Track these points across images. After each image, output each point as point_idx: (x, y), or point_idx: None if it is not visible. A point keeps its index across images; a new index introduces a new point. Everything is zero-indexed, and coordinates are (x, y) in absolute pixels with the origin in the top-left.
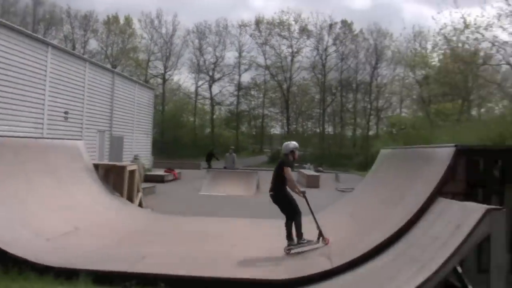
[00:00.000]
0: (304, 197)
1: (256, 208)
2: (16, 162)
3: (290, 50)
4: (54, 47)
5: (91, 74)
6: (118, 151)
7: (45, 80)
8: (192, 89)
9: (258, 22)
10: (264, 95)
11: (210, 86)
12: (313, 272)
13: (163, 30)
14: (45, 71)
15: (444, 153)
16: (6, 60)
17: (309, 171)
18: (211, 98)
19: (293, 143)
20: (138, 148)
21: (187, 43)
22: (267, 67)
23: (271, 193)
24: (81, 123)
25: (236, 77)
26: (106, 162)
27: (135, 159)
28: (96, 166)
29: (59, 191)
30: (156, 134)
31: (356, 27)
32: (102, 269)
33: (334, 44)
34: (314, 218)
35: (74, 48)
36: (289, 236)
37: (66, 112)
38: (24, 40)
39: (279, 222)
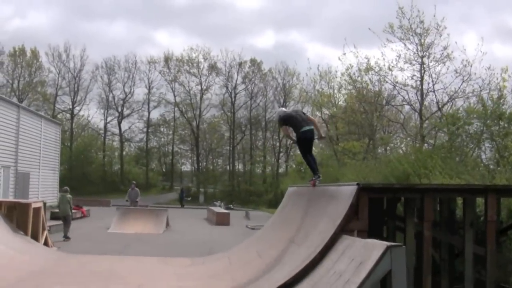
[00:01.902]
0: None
1: (165, 246)
2: None
3: (199, 87)
4: None
5: None
6: (24, 188)
7: None
8: (101, 125)
9: (167, 59)
10: (174, 132)
11: (119, 122)
12: None
13: (71, 64)
14: None
15: (347, 191)
16: None
17: (219, 209)
18: (120, 135)
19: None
20: (45, 185)
21: (96, 78)
22: (176, 104)
23: None
24: None
25: (146, 113)
26: (10, 199)
27: (64, 192)
28: None
29: None
30: (64, 170)
31: (265, 66)
32: None
33: (244, 82)
34: None
35: None
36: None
37: None
38: None
39: (188, 261)
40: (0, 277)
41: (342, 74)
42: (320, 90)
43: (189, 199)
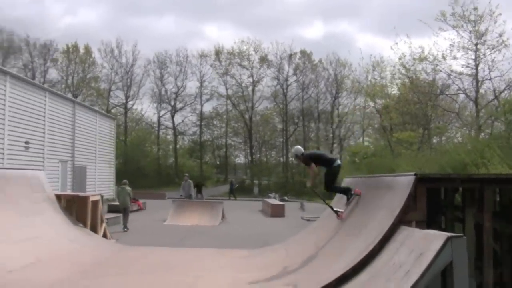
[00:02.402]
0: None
1: (221, 238)
2: None
3: (251, 79)
4: (13, 76)
5: (52, 104)
6: (81, 181)
7: (4, 110)
8: (155, 119)
9: (217, 52)
10: (227, 125)
11: (173, 116)
12: None
13: (124, 60)
14: (4, 100)
15: (404, 182)
16: None
17: (274, 201)
18: (174, 128)
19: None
20: (101, 178)
21: (148, 72)
22: (228, 97)
23: None
24: (43, 153)
25: (198, 107)
26: (68, 192)
27: (124, 185)
28: (59, 197)
29: (20, 222)
30: (119, 164)
31: (315, 57)
32: None
33: (295, 74)
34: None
35: (33, 77)
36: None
37: (26, 142)
38: None
39: (244, 252)
40: (62, 269)
41: (395, 64)
42: (373, 80)
43: (236, 186)
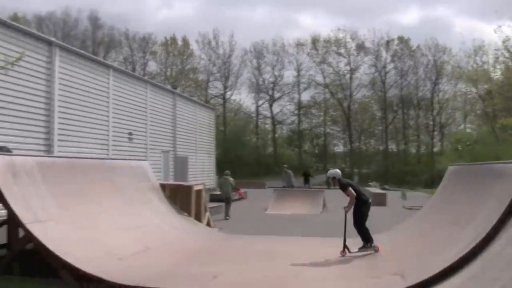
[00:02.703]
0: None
1: (323, 227)
2: (86, 182)
3: (348, 67)
4: (115, 69)
5: (153, 95)
6: (182, 171)
7: (108, 102)
8: (253, 108)
9: (314, 41)
10: (325, 113)
11: (271, 105)
12: None
13: (221, 51)
14: (108, 93)
15: None
16: (70, 83)
17: (375, 189)
18: (272, 117)
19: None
20: (202, 168)
21: (245, 63)
22: (326, 85)
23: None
24: (145, 144)
25: (296, 96)
26: (172, 182)
27: (226, 175)
28: (163, 186)
29: (128, 211)
30: (219, 154)
31: (413, 43)
32: None
33: (393, 60)
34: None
35: (134, 70)
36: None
37: (130, 133)
38: (86, 63)
39: (349, 241)
40: (169, 256)
41: (498, 48)
42: (475, 65)
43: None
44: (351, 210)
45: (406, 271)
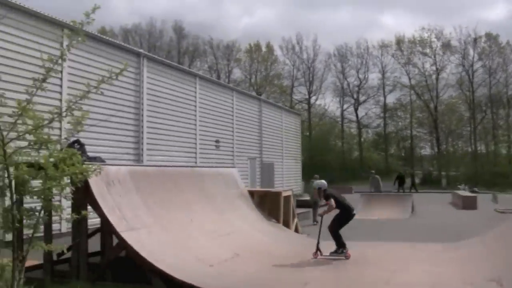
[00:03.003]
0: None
1: (413, 231)
2: (176, 190)
3: (434, 67)
4: (202, 77)
5: (239, 102)
6: (269, 177)
7: (195, 110)
8: (338, 112)
9: (398, 42)
10: (411, 115)
11: (356, 109)
12: None
13: (305, 55)
14: (195, 101)
15: None
16: (157, 93)
17: (464, 192)
18: (358, 121)
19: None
20: (288, 174)
21: (329, 66)
22: (412, 87)
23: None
24: (232, 151)
25: (381, 98)
26: (258, 188)
27: (314, 179)
28: (251, 193)
29: (218, 218)
30: (304, 159)
31: (502, 40)
32: None
33: (480, 58)
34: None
35: (219, 78)
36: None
37: (217, 141)
38: (172, 73)
39: (439, 246)
40: (258, 262)
41: None
42: None
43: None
44: (331, 216)
45: (503, 277)
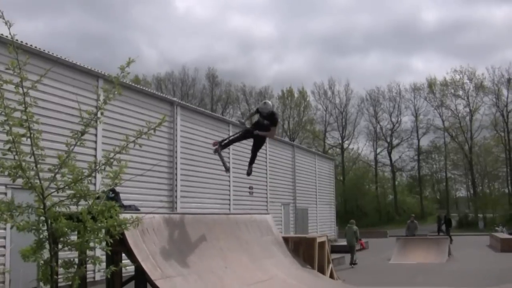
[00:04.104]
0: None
1: (450, 276)
2: (211, 238)
3: (467, 109)
4: (235, 125)
5: (272, 148)
6: (303, 223)
7: (229, 157)
8: (371, 156)
9: (430, 85)
10: (446, 158)
11: (389, 153)
12: None
13: (337, 100)
14: (229, 148)
15: None
16: (191, 141)
17: (503, 234)
18: (391, 165)
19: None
20: (322, 219)
21: (362, 111)
22: (445, 129)
23: None
24: (266, 197)
25: (415, 141)
26: (294, 234)
27: (351, 224)
28: (286, 239)
29: (252, 266)
30: (339, 204)
31: None
32: None
33: None
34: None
35: None
36: None
37: (251, 187)
38: (206, 120)
39: None
40: None
41: None
42: None
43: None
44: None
45: None
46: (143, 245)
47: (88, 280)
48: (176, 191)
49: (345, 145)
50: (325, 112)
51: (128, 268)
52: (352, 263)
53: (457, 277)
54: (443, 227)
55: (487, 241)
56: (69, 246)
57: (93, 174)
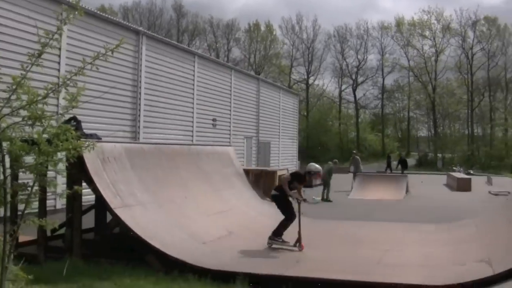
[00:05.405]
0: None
1: (407, 212)
2: (172, 168)
3: (433, 50)
4: (200, 56)
5: (237, 82)
6: (265, 157)
7: (193, 89)
8: (336, 93)
9: (398, 24)
10: (409, 97)
11: (354, 90)
12: (473, 278)
13: (304, 35)
14: (193, 80)
15: None
16: (156, 71)
17: (459, 174)
18: (355, 102)
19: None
20: (285, 154)
21: (328, 47)
22: (410, 69)
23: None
24: (229, 130)
25: (380, 79)
26: (255, 167)
27: (332, 162)
28: (247, 172)
29: (212, 196)
30: (302, 139)
31: (500, 22)
32: (257, 272)
33: (479, 41)
34: (299, 223)
35: (218, 56)
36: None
37: (214, 120)
38: (171, 51)
39: (432, 227)
40: (254, 240)
41: None
42: None
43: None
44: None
45: (493, 258)
46: (104, 174)
47: (48, 208)
48: (139, 121)
49: (310, 81)
50: (292, 47)
51: (89, 197)
52: (327, 199)
53: (412, 213)
54: (399, 167)
55: (444, 180)
56: (24, 169)
57: (53, 98)
